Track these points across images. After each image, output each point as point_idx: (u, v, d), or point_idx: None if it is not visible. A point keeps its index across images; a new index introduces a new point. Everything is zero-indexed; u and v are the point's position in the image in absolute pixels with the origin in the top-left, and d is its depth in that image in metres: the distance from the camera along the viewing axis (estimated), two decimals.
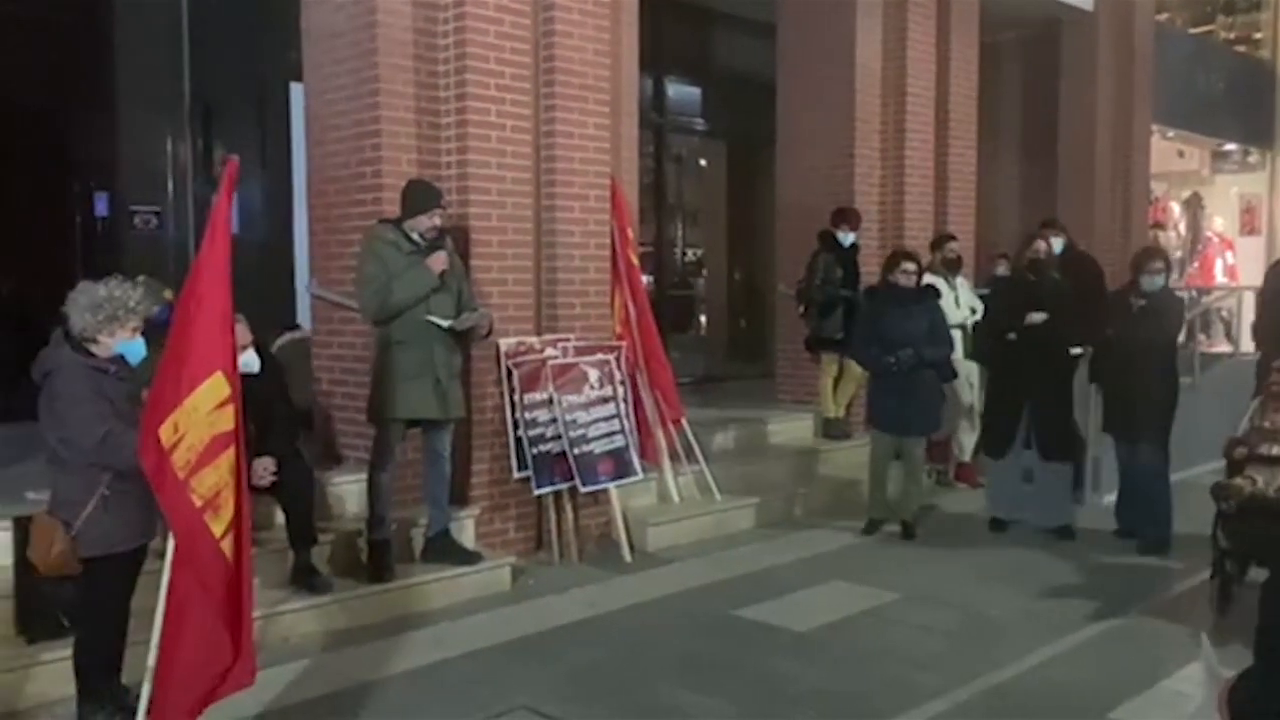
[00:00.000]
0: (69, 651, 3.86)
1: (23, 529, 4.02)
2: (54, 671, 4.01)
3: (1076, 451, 7.00)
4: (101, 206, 8.69)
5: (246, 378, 4.85)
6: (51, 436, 3.69)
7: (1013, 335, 6.59)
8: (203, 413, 3.34)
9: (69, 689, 3.85)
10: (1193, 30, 15.93)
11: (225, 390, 3.37)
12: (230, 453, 3.38)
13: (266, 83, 8.01)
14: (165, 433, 3.33)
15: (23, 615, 4.25)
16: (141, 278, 4.75)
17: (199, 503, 3.33)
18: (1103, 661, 4.66)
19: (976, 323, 7.56)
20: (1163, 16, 13.96)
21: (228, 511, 3.37)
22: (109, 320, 3.73)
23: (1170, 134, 14.63)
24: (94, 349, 3.74)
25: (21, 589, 4.22)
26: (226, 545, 3.36)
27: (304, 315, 6.94)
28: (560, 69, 6.25)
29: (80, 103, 8.28)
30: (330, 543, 5.35)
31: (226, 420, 3.37)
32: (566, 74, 6.28)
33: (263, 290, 7.58)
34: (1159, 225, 14.76)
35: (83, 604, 3.85)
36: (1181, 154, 15.94)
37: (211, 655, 3.33)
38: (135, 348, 3.81)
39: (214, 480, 3.35)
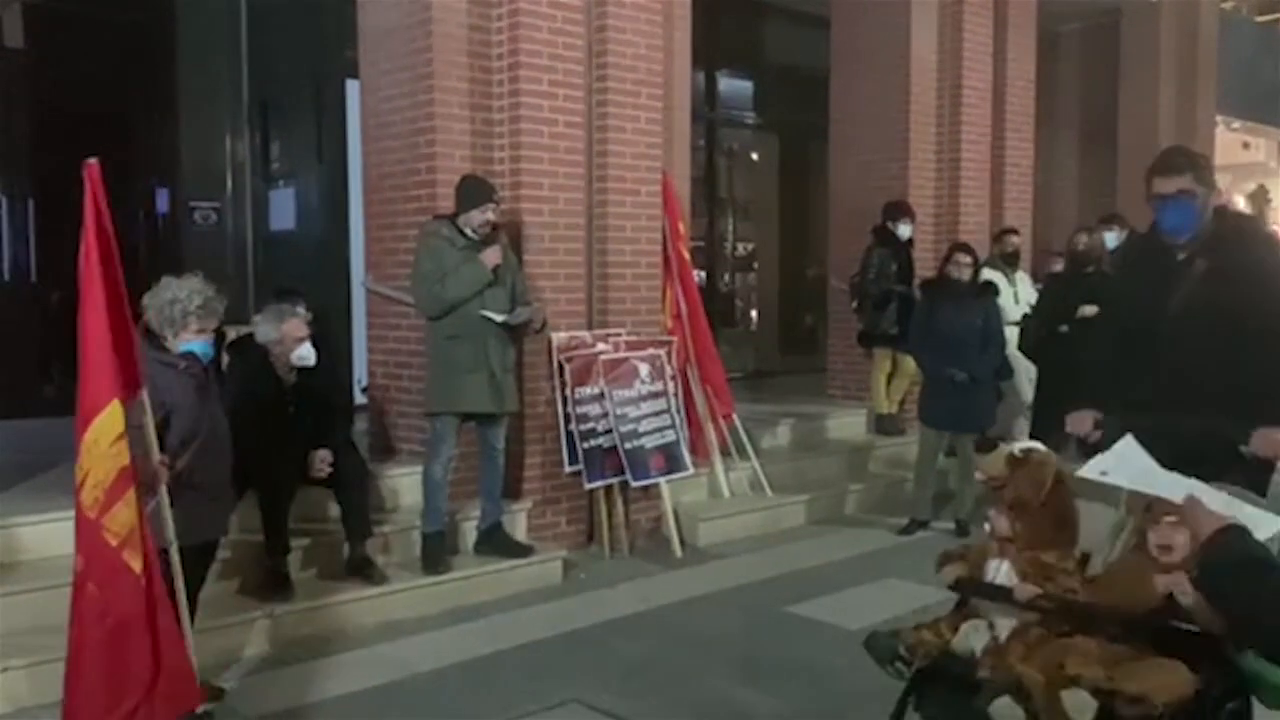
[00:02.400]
0: None
1: None
2: None
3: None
4: (162, 203, 8.86)
5: (303, 370, 4.96)
6: None
7: (1064, 328, 6.49)
8: (104, 446, 3.20)
9: None
10: (1259, 18, 15.53)
11: (122, 423, 3.24)
12: (133, 490, 3.25)
13: (323, 80, 8.12)
14: (78, 472, 3.24)
15: None
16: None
17: (115, 541, 3.21)
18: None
19: (1026, 315, 7.45)
20: (1228, 5, 13.64)
21: (140, 547, 3.24)
22: (169, 323, 3.82)
23: (1235, 125, 14.28)
24: (166, 344, 3.84)
25: None
26: (140, 577, 3.24)
27: (359, 309, 7.02)
28: (612, 64, 6.25)
29: (142, 101, 8.44)
30: (385, 535, 5.41)
31: (126, 453, 3.24)
32: (619, 69, 6.28)
33: (319, 285, 7.70)
34: None
35: None
36: (1247, 145, 15.58)
37: (126, 688, 3.22)
38: (201, 347, 3.88)
39: (126, 516, 3.22)
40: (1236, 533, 2.12)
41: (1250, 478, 2.99)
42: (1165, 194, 3.35)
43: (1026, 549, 2.92)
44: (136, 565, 3.23)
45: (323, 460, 4.89)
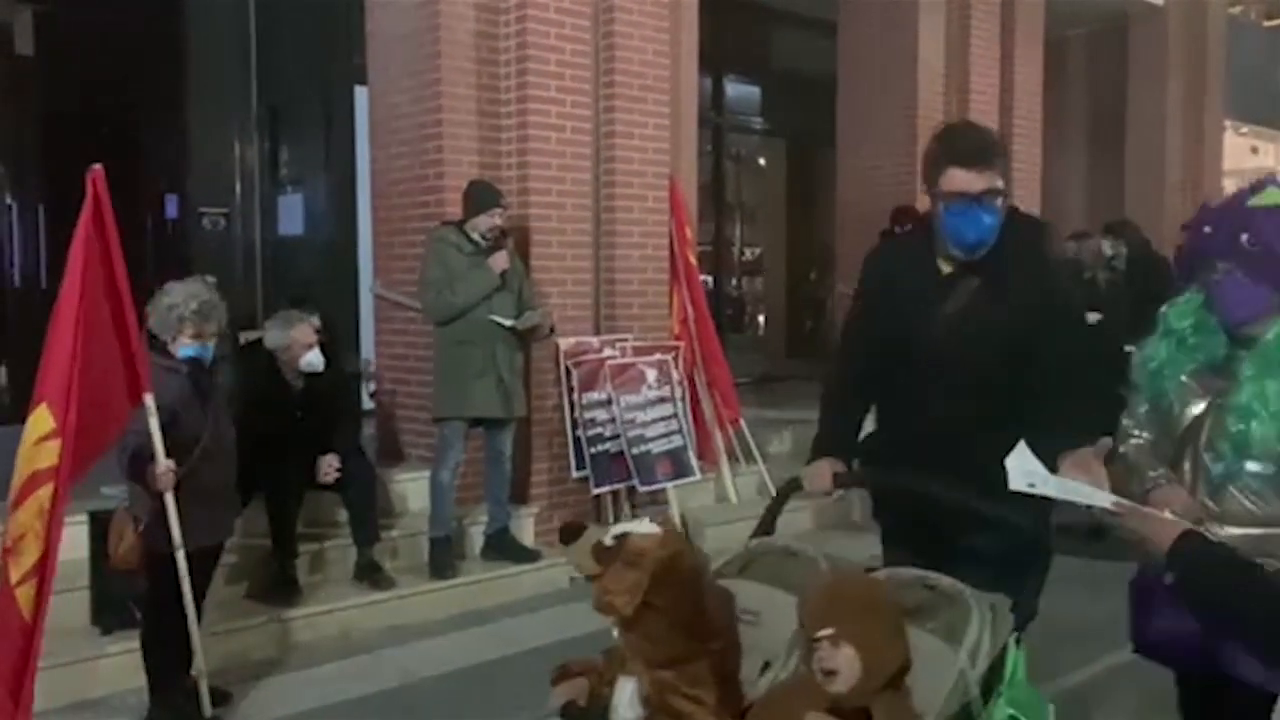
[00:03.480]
0: (140, 642, 3.96)
1: (99, 525, 4.13)
2: (126, 662, 4.12)
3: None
4: (171, 208, 8.89)
5: (310, 375, 4.98)
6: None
7: None
8: (26, 445, 3.16)
9: (140, 679, 3.94)
10: (1267, 23, 15.50)
11: (48, 424, 3.14)
12: (45, 492, 3.12)
13: (331, 86, 8.14)
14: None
15: (98, 607, 4.37)
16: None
17: (7, 542, 3.14)
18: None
19: None
20: (1236, 10, 13.61)
21: (29, 558, 3.10)
22: (167, 327, 3.86)
23: (1243, 130, 14.25)
24: (170, 349, 3.88)
25: (96, 582, 4.33)
26: (24, 593, 3.08)
27: (367, 315, 7.04)
28: (620, 70, 6.27)
29: (151, 107, 8.48)
30: (392, 540, 5.42)
31: (47, 456, 3.13)
32: (626, 75, 6.29)
33: (327, 291, 7.72)
34: None
35: (149, 598, 3.95)
36: (1255, 150, 15.52)
37: None
38: (198, 351, 3.90)
39: (23, 520, 3.12)
40: (1199, 536, 2.14)
41: (1001, 539, 2.52)
42: (970, 193, 2.51)
43: (652, 665, 2.19)
44: (14, 575, 3.09)
45: (329, 465, 4.91)
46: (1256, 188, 2.35)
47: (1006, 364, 2.59)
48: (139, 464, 3.64)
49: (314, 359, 4.92)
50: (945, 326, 2.62)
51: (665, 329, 6.66)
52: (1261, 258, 2.26)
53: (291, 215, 8.68)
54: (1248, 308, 2.32)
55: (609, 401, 6.08)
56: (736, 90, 11.35)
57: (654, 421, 6.23)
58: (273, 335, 4.96)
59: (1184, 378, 2.45)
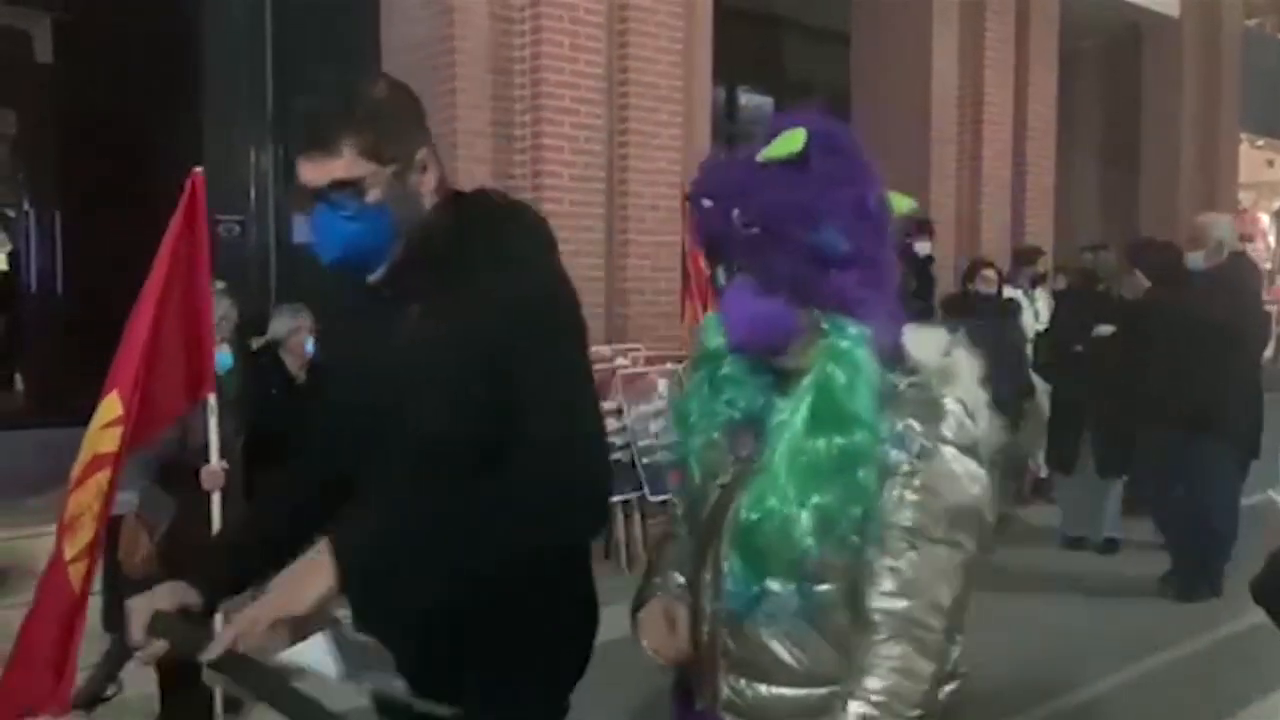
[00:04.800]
0: None
1: (111, 531, 4.14)
2: (137, 666, 4.12)
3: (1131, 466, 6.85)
4: None
5: (314, 372, 4.96)
6: None
7: (1079, 348, 6.48)
8: (94, 429, 3.27)
9: (151, 684, 3.95)
10: None
11: (116, 410, 3.25)
12: (104, 476, 3.24)
13: None
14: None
15: (109, 613, 4.38)
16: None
17: (66, 519, 3.25)
18: (1192, 682, 4.53)
19: (1039, 334, 7.43)
20: (1252, 21, 13.57)
21: (85, 536, 3.22)
22: None
23: (1260, 142, 14.22)
24: None
25: (109, 588, 4.35)
26: (75, 570, 3.21)
27: None
28: (634, 80, 6.29)
29: (168, 114, 8.53)
30: None
31: (110, 441, 3.25)
32: (640, 85, 6.31)
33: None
34: (1247, 237, 14.33)
35: None
36: (1271, 163, 15.47)
37: (34, 676, 3.18)
38: (218, 358, 3.91)
39: (82, 500, 3.23)
40: None
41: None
42: (313, 189, 1.64)
43: None
44: (69, 551, 3.23)
45: None
46: (773, 132, 1.53)
47: (464, 425, 1.64)
48: (176, 469, 3.65)
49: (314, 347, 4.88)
50: (379, 377, 1.71)
51: (677, 338, 6.67)
52: (764, 246, 1.44)
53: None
54: (753, 327, 1.49)
55: (620, 411, 6.08)
56: (750, 101, 11.37)
57: (665, 431, 6.23)
58: (277, 324, 4.94)
59: (716, 434, 1.60)
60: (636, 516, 6.27)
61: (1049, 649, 4.97)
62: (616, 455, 6.10)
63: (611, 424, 6.08)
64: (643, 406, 6.16)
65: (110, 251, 8.46)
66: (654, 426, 6.18)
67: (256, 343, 5.39)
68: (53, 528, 4.63)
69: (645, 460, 6.10)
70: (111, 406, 3.26)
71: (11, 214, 9.49)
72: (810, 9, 10.46)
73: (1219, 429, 5.55)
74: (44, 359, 8.47)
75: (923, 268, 7.95)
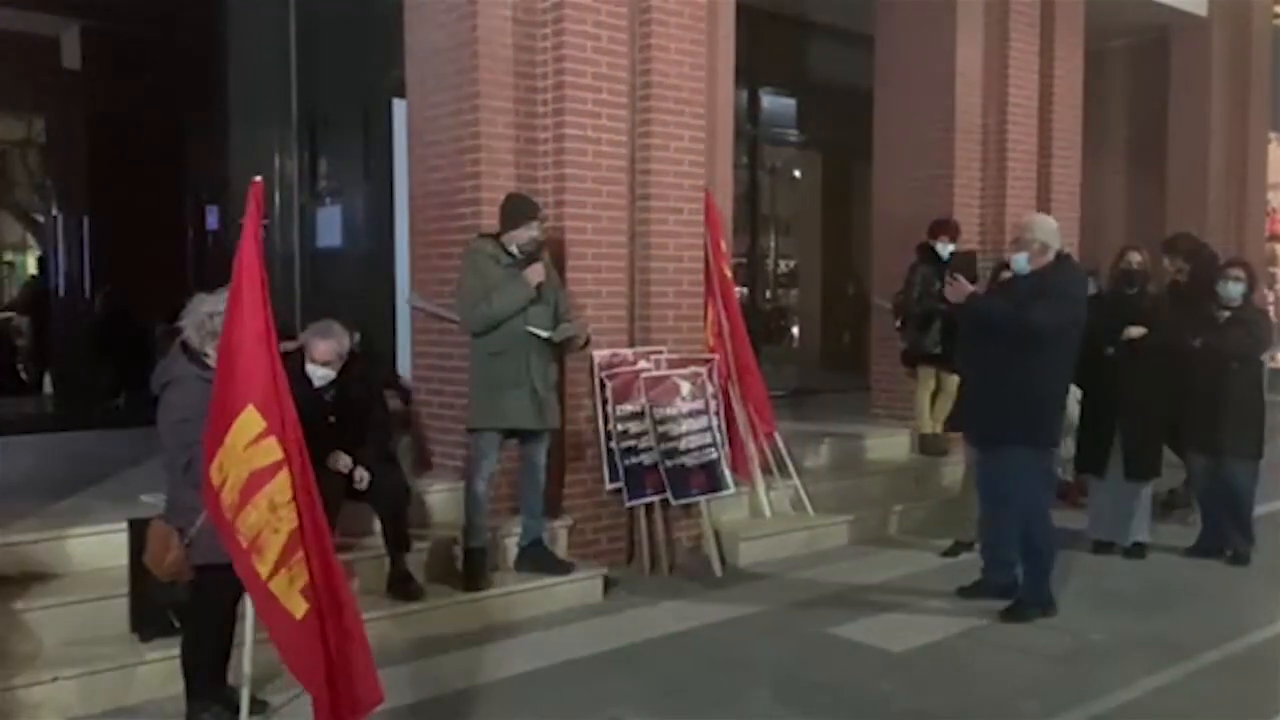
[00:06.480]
0: (179, 650, 3.99)
1: (138, 533, 4.17)
2: (164, 669, 4.15)
3: (1158, 469, 6.80)
4: (212, 220, 9.02)
5: (342, 386, 4.97)
6: (165, 447, 3.83)
7: (1110, 351, 6.43)
8: (239, 449, 3.26)
9: (178, 687, 3.98)
10: None
11: (259, 424, 3.26)
12: (273, 486, 3.25)
13: (370, 99, 8.22)
14: (214, 474, 3.30)
15: (136, 614, 4.41)
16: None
17: (244, 543, 3.28)
18: (1221, 690, 4.47)
19: None
20: None
21: (273, 551, 3.26)
22: (211, 336, 3.78)
23: None
24: (208, 361, 3.80)
25: (136, 590, 4.38)
26: (279, 585, 3.27)
27: (404, 326, 7.08)
28: (656, 83, 6.28)
29: (193, 120, 8.61)
30: (425, 550, 5.43)
31: (264, 455, 3.25)
32: (662, 88, 6.30)
33: (365, 302, 7.78)
34: (1276, 238, 14.17)
35: (192, 608, 3.98)
36: None
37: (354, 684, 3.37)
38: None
39: (255, 520, 3.25)
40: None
41: None
42: None
43: None
44: (263, 570, 3.26)
45: (359, 475, 4.89)
46: None
47: None
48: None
49: (322, 374, 4.87)
50: None
51: (700, 341, 6.66)
52: None
53: (330, 227, 8.77)
54: None
55: (643, 414, 6.08)
56: (772, 103, 11.35)
57: (688, 434, 6.22)
58: (306, 335, 4.96)
59: None
60: (660, 520, 6.25)
61: (1076, 655, 4.92)
62: (639, 458, 6.09)
63: (634, 427, 6.08)
64: (666, 409, 6.15)
65: (140, 259, 8.57)
66: (676, 429, 6.17)
67: (283, 348, 5.40)
68: (79, 529, 4.74)
69: (668, 463, 6.08)
70: (252, 421, 3.26)
71: (40, 219, 9.60)
72: (833, 10, 10.44)
73: (1014, 436, 5.38)
74: (73, 362, 8.56)
75: (947, 269, 7.89)
